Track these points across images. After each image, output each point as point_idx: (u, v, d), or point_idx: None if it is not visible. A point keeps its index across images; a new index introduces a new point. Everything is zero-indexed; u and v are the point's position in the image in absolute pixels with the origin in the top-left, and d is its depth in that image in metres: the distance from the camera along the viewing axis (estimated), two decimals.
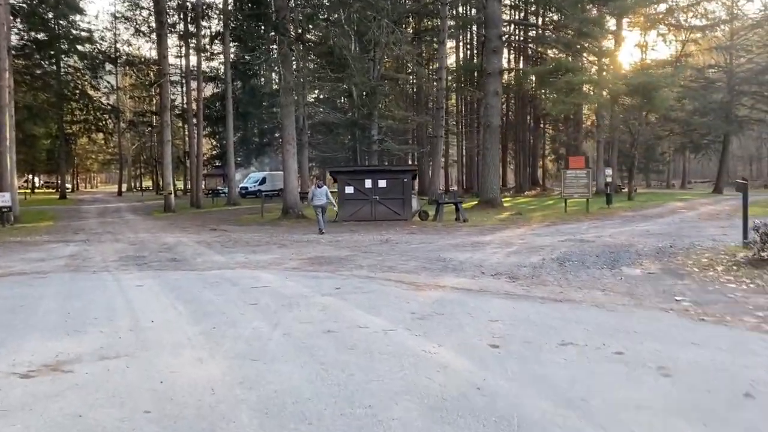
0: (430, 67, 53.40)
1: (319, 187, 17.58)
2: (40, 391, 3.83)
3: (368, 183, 20.00)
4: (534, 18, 45.79)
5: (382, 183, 19.99)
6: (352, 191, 20.03)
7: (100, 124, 49.18)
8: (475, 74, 49.81)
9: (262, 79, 56.31)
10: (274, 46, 23.50)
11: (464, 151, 59.33)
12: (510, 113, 56.83)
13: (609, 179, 28.18)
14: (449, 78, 50.88)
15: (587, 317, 6.12)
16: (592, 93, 22.21)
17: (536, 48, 42.73)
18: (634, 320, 6.02)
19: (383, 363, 4.36)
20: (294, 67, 20.72)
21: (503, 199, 28.52)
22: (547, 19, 43.50)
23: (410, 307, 6.38)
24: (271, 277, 8.75)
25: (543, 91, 52.89)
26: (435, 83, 31.68)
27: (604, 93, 21.81)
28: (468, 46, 54.22)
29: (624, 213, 23.88)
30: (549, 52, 38.45)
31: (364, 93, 36.69)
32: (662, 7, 37.38)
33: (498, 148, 25.88)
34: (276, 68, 20.66)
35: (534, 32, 47.04)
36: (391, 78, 42.93)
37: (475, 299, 6.95)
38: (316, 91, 43.97)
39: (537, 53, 48.04)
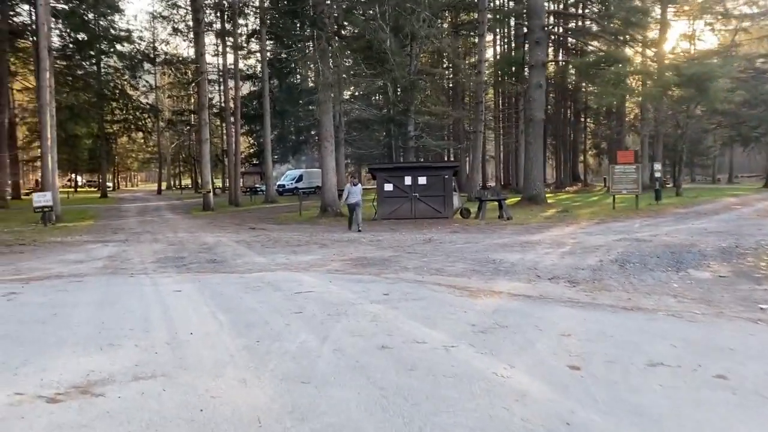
0: (468, 61, 52.61)
1: (354, 185, 17.32)
2: (67, 420, 3.40)
3: (408, 180, 19.44)
4: (574, 9, 44.49)
5: (422, 180, 19.41)
6: (392, 188, 19.50)
7: (140, 123, 49.70)
8: (513, 68, 48.82)
9: (299, 77, 56.26)
10: (311, 43, 23.15)
11: (501, 146, 58.30)
12: (549, 107, 55.48)
13: (658, 174, 27.00)
14: (487, 72, 50.08)
15: (669, 330, 5.47)
16: (641, 84, 21.14)
17: (576, 40, 41.38)
18: (723, 334, 5.35)
19: (451, 389, 3.82)
20: (331, 63, 20.27)
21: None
22: (587, 10, 42.22)
23: (468, 317, 5.82)
24: (315, 281, 8.29)
25: (585, 84, 51.59)
26: (474, 77, 30.84)
27: (650, 84, 20.70)
28: (506, 39, 53.09)
29: (675, 210, 22.81)
30: (592, 43, 37.18)
31: (402, 88, 36.17)
32: None
33: (541, 143, 25.03)
34: (314, 64, 20.21)
35: (574, 23, 45.75)
36: (428, 73, 42.30)
37: (538, 308, 6.35)
38: (352, 88, 43.66)
39: (578, 45, 46.68)
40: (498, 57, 51.30)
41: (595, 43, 42.20)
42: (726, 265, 9.50)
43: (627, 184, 22.36)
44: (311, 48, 21.36)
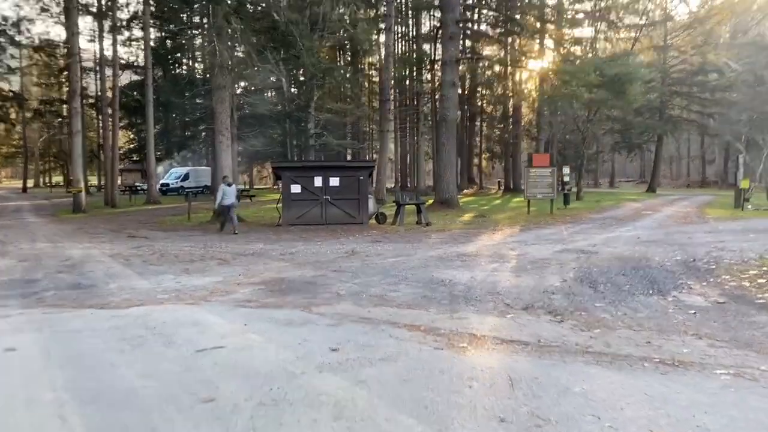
0: (368, 60, 50.97)
1: (229, 185, 16.47)
2: None
3: (318, 181, 17.24)
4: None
5: (334, 181, 17.28)
6: (299, 190, 17.20)
7: (1, 112, 43.70)
8: (414, 66, 47.74)
9: (185, 67, 52.05)
10: (206, 21, 20.27)
11: (399, 147, 57.18)
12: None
13: (567, 178, 26.59)
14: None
15: (762, 406, 3.77)
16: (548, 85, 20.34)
17: (480, 40, 40.81)
18: None
19: None
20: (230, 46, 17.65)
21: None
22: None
23: (482, 400, 3.80)
24: (223, 324, 5.96)
25: (481, 87, 51.52)
26: (380, 73, 29.10)
27: (575, 84, 19.96)
28: (406, 38, 51.90)
29: (589, 215, 22.22)
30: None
31: (303, 82, 33.77)
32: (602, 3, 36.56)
33: (455, 144, 23.69)
34: (209, 44, 17.48)
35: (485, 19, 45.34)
36: (328, 68, 40.12)
37: (562, 372, 4.46)
38: (243, 83, 40.60)
39: (478, 46, 46.28)
40: (397, 56, 50.01)
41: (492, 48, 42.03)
42: (707, 286, 8.20)
43: (542, 188, 21.45)
44: (206, 28, 18.56)
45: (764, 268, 9.49)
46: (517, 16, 31.91)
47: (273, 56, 18.04)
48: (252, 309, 6.75)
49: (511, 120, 48.40)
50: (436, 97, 54.40)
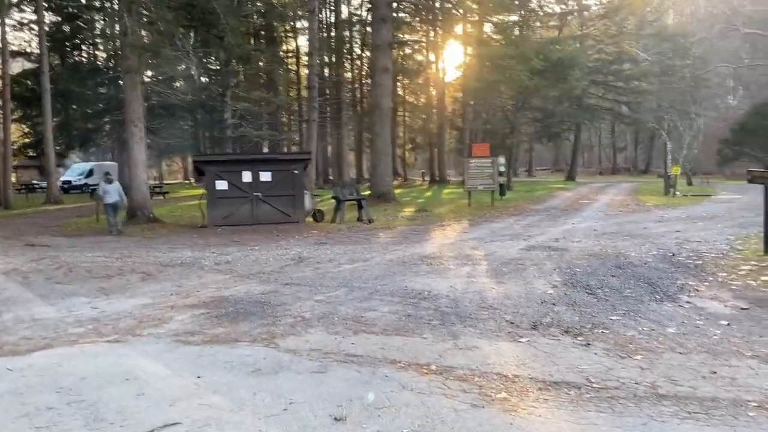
0: (285, 47, 48.83)
1: (110, 182, 15.44)
2: None
3: (247, 176, 15.52)
4: None
5: (265, 176, 15.61)
6: (226, 187, 15.43)
7: None
8: (333, 56, 46.18)
9: (86, 54, 48.00)
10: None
11: (318, 138, 55.29)
12: (364, 99, 54.00)
13: (502, 169, 26.01)
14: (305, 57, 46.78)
15: None
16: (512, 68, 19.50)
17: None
18: None
19: None
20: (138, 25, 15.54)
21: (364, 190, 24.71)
22: None
23: None
24: (166, 374, 4.43)
25: (402, 74, 50.52)
26: (298, 63, 27.39)
27: (520, 69, 19.20)
28: (323, 24, 50.06)
29: (529, 206, 21.67)
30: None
31: (221, 67, 31.44)
32: None
33: (389, 133, 22.45)
34: (119, 20, 15.30)
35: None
36: (255, 51, 37.68)
37: None
38: (150, 72, 37.61)
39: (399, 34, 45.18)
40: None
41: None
42: (713, 287, 7.39)
43: (483, 180, 20.63)
44: (111, 6, 16.30)
45: (752, 262, 8.85)
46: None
47: (191, 38, 16.09)
48: (199, 347, 5.20)
49: (434, 110, 47.75)
50: (356, 85, 53.68)
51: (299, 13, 36.87)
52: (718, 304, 6.56)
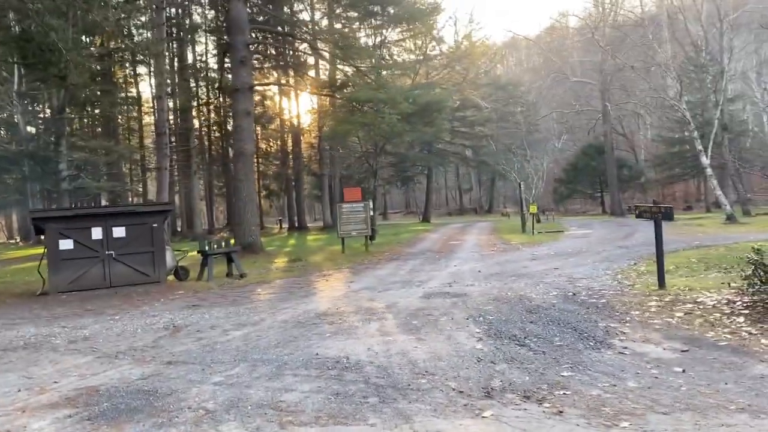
0: (125, 93, 45.49)
1: None
2: None
3: (97, 233, 13.48)
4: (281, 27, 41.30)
5: (119, 231, 13.66)
6: (72, 246, 13.25)
7: None
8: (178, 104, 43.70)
9: None
10: None
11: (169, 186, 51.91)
12: (213, 146, 51.94)
13: (371, 213, 25.56)
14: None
15: None
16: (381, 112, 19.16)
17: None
18: None
19: None
20: None
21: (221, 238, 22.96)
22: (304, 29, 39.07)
23: None
24: None
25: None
26: (156, 103, 25.48)
27: (390, 113, 18.96)
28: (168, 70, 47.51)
29: (402, 249, 21.36)
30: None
31: (54, 114, 28.21)
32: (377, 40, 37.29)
33: (254, 180, 21.12)
34: None
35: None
36: (104, 92, 34.31)
37: None
38: None
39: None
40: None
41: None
42: (637, 328, 7.17)
43: (356, 225, 20.00)
44: None
45: (654, 298, 8.87)
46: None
47: (13, 81, 13.86)
48: None
49: (290, 156, 46.80)
50: (203, 131, 51.30)
51: (142, 57, 34.54)
52: (655, 348, 6.24)
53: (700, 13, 31.94)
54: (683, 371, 5.36)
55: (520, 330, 7.34)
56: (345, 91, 20.60)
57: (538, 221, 32.45)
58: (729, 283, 8.76)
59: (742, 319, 6.93)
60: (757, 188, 38.95)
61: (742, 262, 12.49)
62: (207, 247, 14.41)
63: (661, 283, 9.53)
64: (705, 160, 26.82)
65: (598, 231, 26.23)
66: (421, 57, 47.72)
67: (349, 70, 23.66)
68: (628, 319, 7.65)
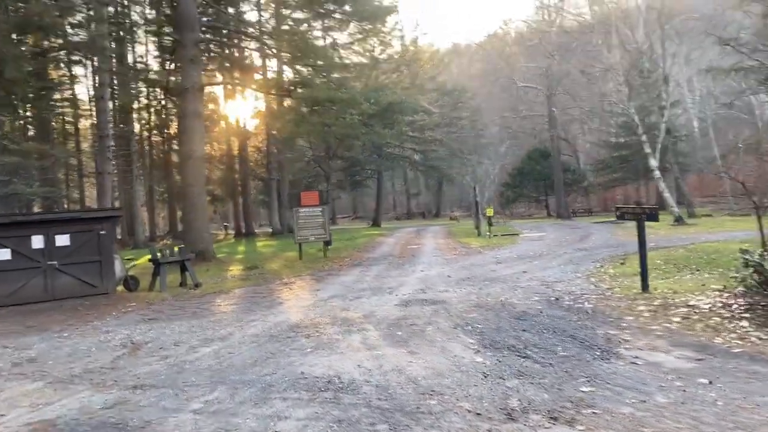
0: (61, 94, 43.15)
1: None
2: None
3: (38, 241, 12.32)
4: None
5: (62, 239, 12.54)
6: (9, 256, 12.04)
7: None
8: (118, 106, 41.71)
9: None
10: None
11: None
12: (153, 150, 50.09)
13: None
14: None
15: None
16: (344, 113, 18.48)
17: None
18: None
19: None
20: None
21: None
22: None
23: None
24: None
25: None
26: (97, 104, 24.08)
27: (353, 114, 18.31)
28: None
29: (362, 254, 20.79)
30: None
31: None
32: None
33: (204, 184, 20.08)
34: None
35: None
36: (10, 103, 32.24)
37: None
38: None
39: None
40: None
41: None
42: (639, 336, 6.86)
43: (314, 230, 19.30)
44: None
45: (641, 302, 8.62)
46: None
47: None
48: None
49: (237, 160, 45.42)
50: (144, 135, 49.34)
51: (81, 56, 32.74)
52: (666, 356, 5.90)
53: (638, 21, 32.86)
54: (710, 383, 5.01)
55: (515, 339, 6.91)
56: (300, 91, 19.83)
57: (491, 225, 32.45)
58: (724, 286, 8.54)
59: (746, 323, 6.70)
60: (693, 190, 40.21)
61: (711, 264, 12.61)
62: (159, 255, 13.44)
63: (645, 286, 9.31)
64: (654, 163, 27.39)
65: (551, 234, 26.34)
66: (372, 61, 47.40)
67: (303, 70, 22.97)
68: (624, 325, 7.33)
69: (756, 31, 27.68)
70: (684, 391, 4.85)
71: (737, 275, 7.74)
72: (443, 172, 50.60)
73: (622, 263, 14.16)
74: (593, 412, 4.49)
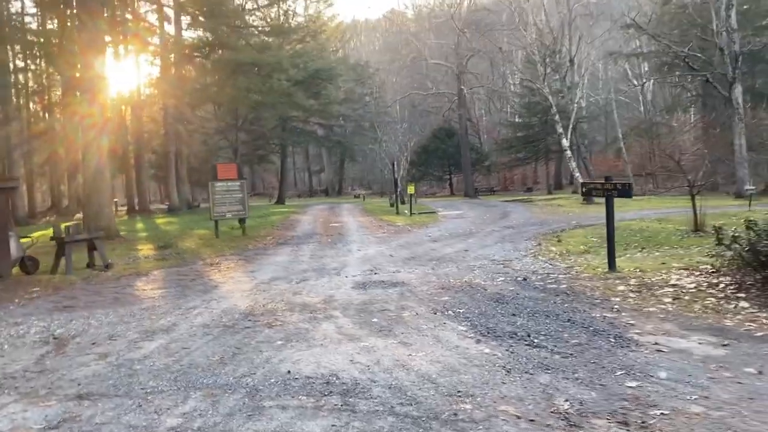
0: None
1: None
2: None
3: None
4: None
5: None
6: None
7: None
8: None
9: None
10: None
11: None
12: (33, 117, 45.68)
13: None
14: None
15: None
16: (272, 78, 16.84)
17: None
18: None
19: None
20: None
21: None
22: None
23: None
24: None
25: None
26: None
27: (279, 79, 16.78)
28: None
29: (282, 233, 19.62)
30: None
31: None
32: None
33: (105, 156, 17.89)
34: None
35: None
36: None
37: None
38: None
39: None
40: None
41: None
42: (641, 319, 6.44)
43: (232, 206, 17.87)
44: None
45: (618, 282, 8.29)
46: None
47: None
48: None
49: (129, 131, 41.96)
50: (22, 101, 44.64)
51: None
52: (688, 343, 5.46)
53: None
54: (760, 373, 4.59)
55: (511, 326, 6.29)
56: (220, 53, 18.12)
57: (403, 202, 32.09)
58: (713, 265, 8.23)
59: (746, 303, 6.45)
60: (595, 169, 42.00)
61: (651, 242, 12.70)
62: (64, 233, 11.69)
63: (612, 265, 9.03)
64: (565, 142, 28.02)
65: (469, 212, 26.34)
66: (287, 25, 45.28)
67: (207, 35, 21.12)
68: (616, 307, 6.91)
69: (657, 18, 28.92)
70: (740, 383, 4.39)
71: (723, 253, 7.52)
72: (348, 147, 49.65)
73: (558, 241, 14.07)
74: (662, 414, 3.90)
